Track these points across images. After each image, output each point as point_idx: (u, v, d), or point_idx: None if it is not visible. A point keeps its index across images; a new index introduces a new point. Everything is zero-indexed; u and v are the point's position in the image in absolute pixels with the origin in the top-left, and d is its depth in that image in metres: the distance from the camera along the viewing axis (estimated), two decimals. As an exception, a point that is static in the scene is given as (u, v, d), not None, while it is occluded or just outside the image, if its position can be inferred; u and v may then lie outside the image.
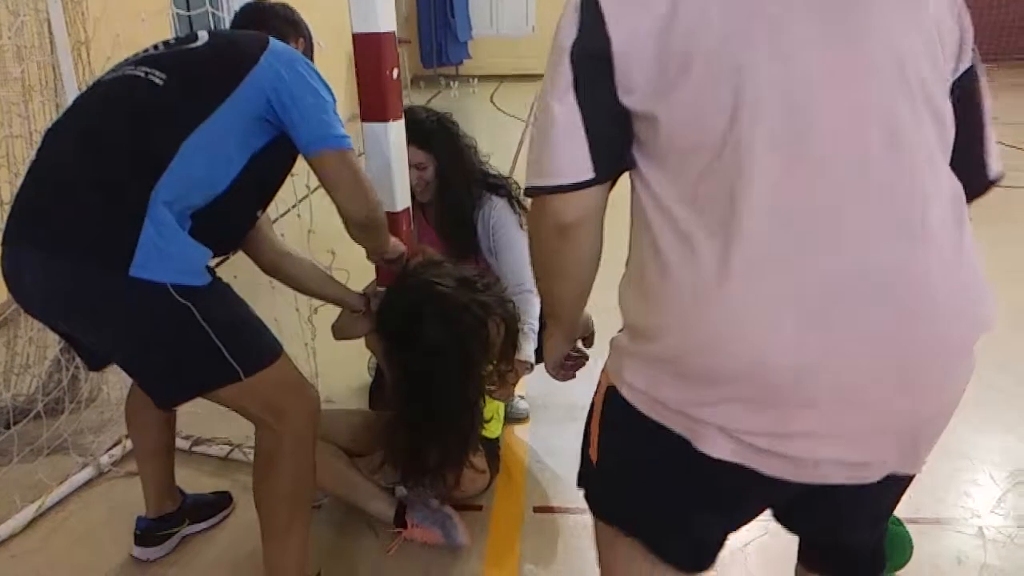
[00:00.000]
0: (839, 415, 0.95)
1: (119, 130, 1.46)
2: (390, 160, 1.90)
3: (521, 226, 2.36)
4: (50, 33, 2.36)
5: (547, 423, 2.57)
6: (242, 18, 1.89)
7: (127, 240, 1.38)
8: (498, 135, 7.78)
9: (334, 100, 1.61)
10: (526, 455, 2.40)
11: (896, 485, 1.10)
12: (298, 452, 1.62)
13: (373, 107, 1.87)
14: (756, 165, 0.94)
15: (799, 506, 1.13)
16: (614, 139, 1.05)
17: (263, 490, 1.64)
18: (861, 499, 1.09)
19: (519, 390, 2.63)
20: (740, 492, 1.09)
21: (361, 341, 2.14)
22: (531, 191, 1.11)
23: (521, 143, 7.33)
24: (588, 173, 1.04)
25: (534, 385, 2.66)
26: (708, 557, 1.17)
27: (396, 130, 1.91)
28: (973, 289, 0.97)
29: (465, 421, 1.91)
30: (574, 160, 1.04)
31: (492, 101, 10.26)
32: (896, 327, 0.92)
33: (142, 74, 1.51)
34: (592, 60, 1.02)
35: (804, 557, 1.35)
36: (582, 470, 1.24)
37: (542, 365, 2.12)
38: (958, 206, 0.99)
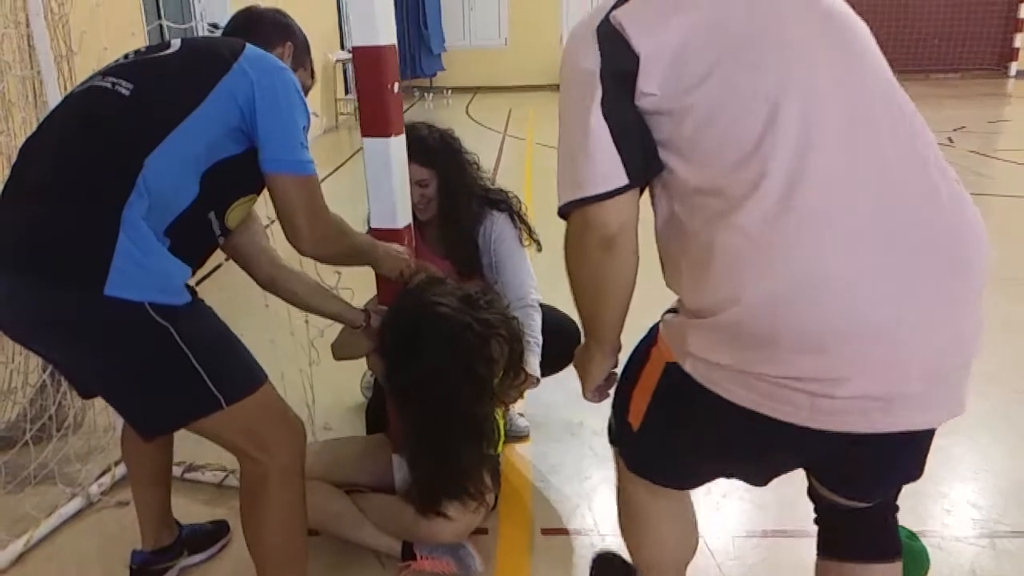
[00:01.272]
0: (895, 358, 1.05)
1: (86, 145, 1.40)
2: (392, 175, 1.85)
3: (521, 241, 2.34)
4: (30, 47, 2.30)
5: (547, 441, 2.53)
6: (232, 24, 1.81)
7: (100, 256, 1.31)
8: (476, 147, 7.73)
9: (308, 119, 1.53)
10: (530, 474, 2.36)
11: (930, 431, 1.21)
12: (286, 486, 1.55)
13: (374, 122, 1.82)
14: (795, 141, 1.06)
15: (851, 460, 1.23)
16: (639, 146, 1.16)
17: (252, 528, 1.57)
18: (909, 444, 1.20)
19: (518, 408, 2.59)
20: (792, 451, 1.22)
21: (353, 362, 2.07)
22: (570, 205, 1.19)
23: (500, 154, 7.31)
24: (622, 179, 1.15)
25: (532, 403, 2.62)
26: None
27: (397, 145, 1.86)
28: (979, 227, 1.12)
29: (473, 440, 1.86)
30: (608, 169, 1.15)
31: (467, 113, 10.24)
32: (936, 279, 1.05)
33: (109, 85, 1.44)
34: (619, 78, 1.14)
35: (829, 545, 1.42)
36: (617, 431, 1.40)
37: (546, 379, 2.13)
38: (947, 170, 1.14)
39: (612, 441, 1.45)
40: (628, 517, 1.51)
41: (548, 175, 5.88)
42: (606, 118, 1.14)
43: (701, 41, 1.11)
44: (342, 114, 9.83)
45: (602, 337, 1.38)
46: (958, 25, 12.29)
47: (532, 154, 7.43)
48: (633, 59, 1.12)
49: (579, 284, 1.29)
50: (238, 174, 1.51)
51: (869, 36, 1.18)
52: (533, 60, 12.43)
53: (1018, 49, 12.20)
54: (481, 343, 1.78)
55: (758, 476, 1.34)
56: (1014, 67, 12.26)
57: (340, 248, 1.66)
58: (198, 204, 1.46)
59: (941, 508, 2.12)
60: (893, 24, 12.14)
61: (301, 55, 1.82)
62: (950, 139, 7.16)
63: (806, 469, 1.35)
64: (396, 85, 1.83)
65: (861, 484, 1.32)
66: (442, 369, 1.72)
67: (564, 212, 1.22)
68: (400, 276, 1.88)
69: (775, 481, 1.33)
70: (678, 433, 1.26)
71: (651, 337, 1.31)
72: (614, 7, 1.18)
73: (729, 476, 1.38)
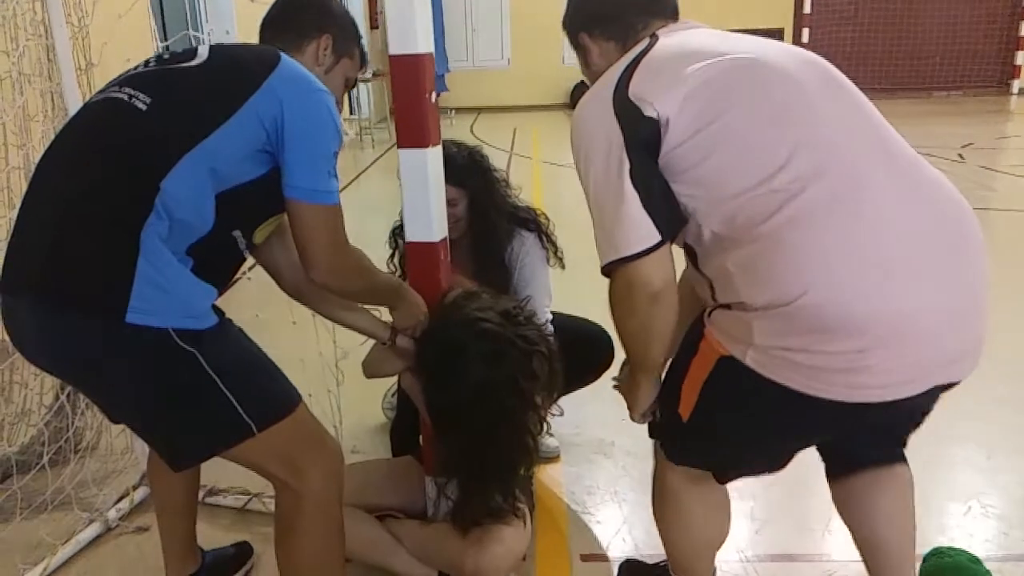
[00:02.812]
0: (934, 325, 1.20)
1: (101, 164, 1.31)
2: (429, 187, 1.79)
3: (548, 262, 2.29)
4: (50, 60, 2.24)
5: (580, 462, 2.45)
6: (270, 13, 1.66)
7: (120, 282, 1.24)
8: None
9: (340, 142, 1.45)
10: (564, 496, 2.28)
11: None
12: (322, 513, 1.47)
13: (412, 133, 1.76)
14: (825, 151, 1.24)
15: (875, 425, 1.42)
16: (665, 204, 1.31)
17: (287, 556, 1.49)
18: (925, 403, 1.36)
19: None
20: (830, 427, 1.36)
21: (377, 381, 2.00)
22: (612, 264, 1.33)
23: (508, 172, 7.25)
24: (655, 237, 1.30)
25: (561, 422, 2.54)
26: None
27: (434, 156, 1.80)
28: (965, 203, 1.30)
29: (517, 458, 1.79)
30: (642, 230, 1.29)
31: (472, 132, 10.22)
32: (952, 253, 1.23)
33: (125, 97, 1.35)
34: (645, 146, 1.30)
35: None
36: (663, 424, 1.50)
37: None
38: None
39: (653, 435, 1.53)
40: (663, 502, 1.57)
41: (556, 192, 5.86)
42: (635, 186, 1.29)
43: (705, 92, 1.28)
44: (345, 134, 9.81)
45: (650, 371, 1.49)
46: (960, 43, 12.34)
47: (540, 171, 7.40)
48: (656, 127, 1.29)
49: (628, 333, 1.42)
50: (263, 196, 1.43)
51: (833, 67, 1.39)
52: (536, 81, 12.47)
53: (1020, 66, 12.25)
54: (525, 359, 1.71)
55: (784, 456, 1.44)
56: (1016, 84, 12.30)
57: (356, 286, 1.59)
58: (221, 225, 1.39)
59: (998, 531, 2.05)
60: (895, 43, 12.21)
61: (345, 43, 1.66)
62: (960, 155, 7.15)
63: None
64: (433, 95, 1.78)
65: (879, 442, 1.51)
66: (488, 385, 1.65)
67: (607, 271, 1.36)
68: (398, 332, 1.78)
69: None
70: (727, 420, 1.36)
71: (697, 331, 1.38)
72: (622, 82, 1.34)
73: (751, 465, 1.50)
